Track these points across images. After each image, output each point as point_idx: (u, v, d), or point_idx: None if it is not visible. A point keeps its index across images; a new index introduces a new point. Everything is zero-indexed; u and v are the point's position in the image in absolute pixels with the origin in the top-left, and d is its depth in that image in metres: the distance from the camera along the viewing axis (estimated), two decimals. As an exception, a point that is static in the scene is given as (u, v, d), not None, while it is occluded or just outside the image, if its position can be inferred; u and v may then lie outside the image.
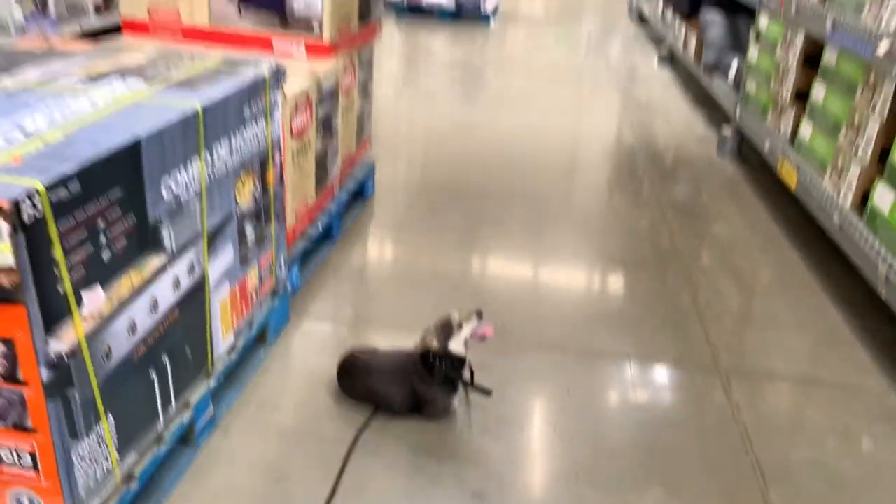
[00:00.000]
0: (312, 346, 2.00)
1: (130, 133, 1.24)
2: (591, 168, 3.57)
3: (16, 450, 1.14)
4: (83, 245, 1.12)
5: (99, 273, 1.17)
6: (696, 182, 3.42)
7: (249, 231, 1.74)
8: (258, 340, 1.91)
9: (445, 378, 1.71)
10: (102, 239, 1.17)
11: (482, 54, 5.83)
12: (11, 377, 1.09)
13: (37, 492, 1.17)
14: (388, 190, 3.05)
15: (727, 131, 3.79)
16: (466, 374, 1.76)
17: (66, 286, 1.10)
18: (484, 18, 7.00)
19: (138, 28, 2.49)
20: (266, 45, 2.40)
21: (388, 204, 2.94)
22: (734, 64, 3.96)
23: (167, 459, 1.50)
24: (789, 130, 3.04)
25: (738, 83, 3.77)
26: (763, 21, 3.51)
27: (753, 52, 3.61)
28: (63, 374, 1.12)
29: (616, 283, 2.48)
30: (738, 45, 4.20)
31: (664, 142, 3.95)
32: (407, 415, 1.72)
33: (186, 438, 1.56)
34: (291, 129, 2.04)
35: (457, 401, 1.74)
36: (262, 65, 1.73)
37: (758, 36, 3.57)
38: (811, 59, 2.95)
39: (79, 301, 1.13)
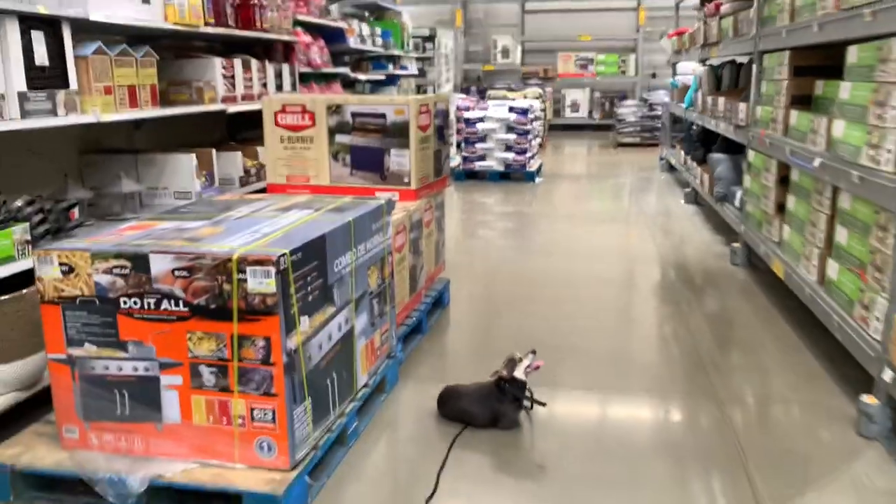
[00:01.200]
0: (417, 395, 2.77)
1: (320, 231, 2.14)
2: (631, 281, 4.36)
3: (263, 409, 1.95)
4: (301, 289, 1.99)
5: (307, 308, 2.03)
6: (713, 285, 4.17)
7: (375, 306, 2.60)
8: (378, 389, 2.70)
9: (514, 399, 2.46)
10: (309, 288, 2.04)
11: (530, 205, 6.83)
12: (266, 361, 1.92)
13: (273, 438, 1.96)
14: (461, 301, 3.89)
15: (736, 245, 4.58)
16: (527, 396, 2.50)
17: (295, 310, 1.96)
18: (529, 176, 8.11)
19: (278, 189, 3.51)
20: (371, 193, 3.38)
21: (461, 310, 3.77)
22: (738, 193, 4.81)
23: (329, 451, 2.26)
24: (775, 236, 3.82)
25: (742, 206, 4.61)
26: (751, 155, 4.41)
27: (747, 180, 4.47)
28: (292, 362, 1.95)
29: (649, 344, 3.21)
30: (739, 177, 5.08)
31: (688, 259, 4.75)
32: (487, 427, 2.46)
33: (340, 439, 2.32)
34: (394, 246, 2.95)
35: (519, 415, 2.48)
36: (381, 198, 2.67)
37: (749, 167, 4.45)
38: (784, 179, 3.79)
39: (294, 325, 1.98)
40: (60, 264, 1.98)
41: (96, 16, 2.77)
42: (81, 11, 2.71)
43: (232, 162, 3.84)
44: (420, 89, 9.91)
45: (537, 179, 8.19)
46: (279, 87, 4.43)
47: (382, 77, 7.37)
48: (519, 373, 2.47)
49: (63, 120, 2.64)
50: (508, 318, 3.63)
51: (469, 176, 8.06)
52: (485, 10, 14.98)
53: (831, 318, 2.84)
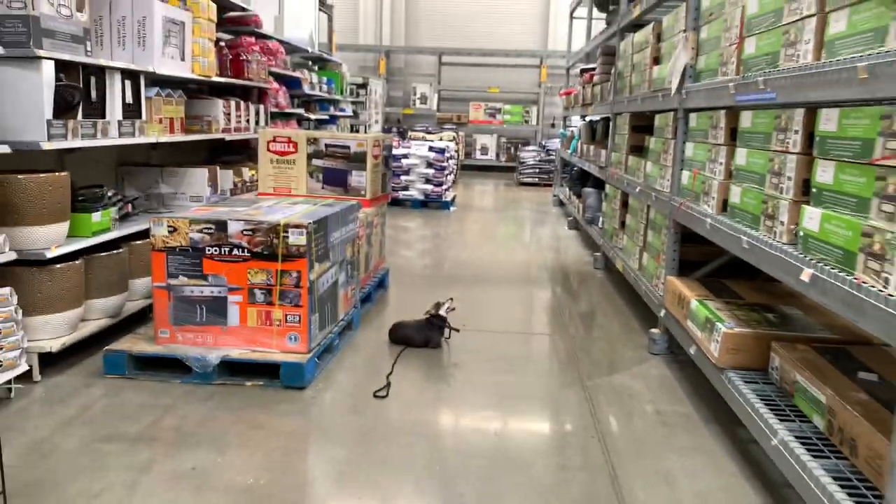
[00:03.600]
0: (373, 332, 4.12)
1: (324, 214, 3.51)
2: (521, 277, 5.85)
3: (293, 315, 3.27)
4: (316, 246, 3.35)
5: (318, 258, 3.38)
6: (579, 280, 5.72)
7: (349, 270, 3.95)
8: (347, 328, 4.03)
9: (438, 328, 3.85)
10: (319, 247, 3.39)
11: (446, 228, 8.30)
12: (297, 286, 3.25)
13: (298, 333, 3.29)
14: (396, 285, 5.27)
15: (598, 254, 6.17)
16: (447, 327, 3.90)
17: (313, 258, 3.31)
18: (445, 205, 9.60)
19: (267, 195, 4.81)
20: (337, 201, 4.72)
21: (396, 290, 5.15)
22: (600, 217, 6.43)
23: (324, 352, 3.58)
24: (619, 244, 5.41)
25: (602, 226, 6.22)
26: (608, 188, 6.03)
27: (605, 206, 6.09)
28: (311, 288, 3.29)
29: (530, 309, 4.67)
30: (601, 205, 6.71)
31: (565, 264, 6.30)
32: (421, 346, 3.83)
33: (329, 348, 3.64)
34: (359, 234, 4.31)
35: (442, 339, 3.88)
36: (353, 201, 4.05)
37: (606, 196, 6.07)
38: (625, 203, 5.39)
39: (312, 266, 3.33)
40: (168, 227, 3.27)
41: (161, 70, 4.06)
42: (151, 68, 4.00)
43: (227, 177, 5.10)
44: (353, 128, 11.35)
45: (452, 208, 9.69)
46: (257, 123, 5.74)
47: (326, 116, 8.77)
48: (442, 311, 3.88)
49: (139, 139, 3.90)
50: (431, 295, 5.03)
51: (394, 203, 9.48)
52: (406, 60, 16.62)
53: (641, 288, 4.39)
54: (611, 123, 6.10)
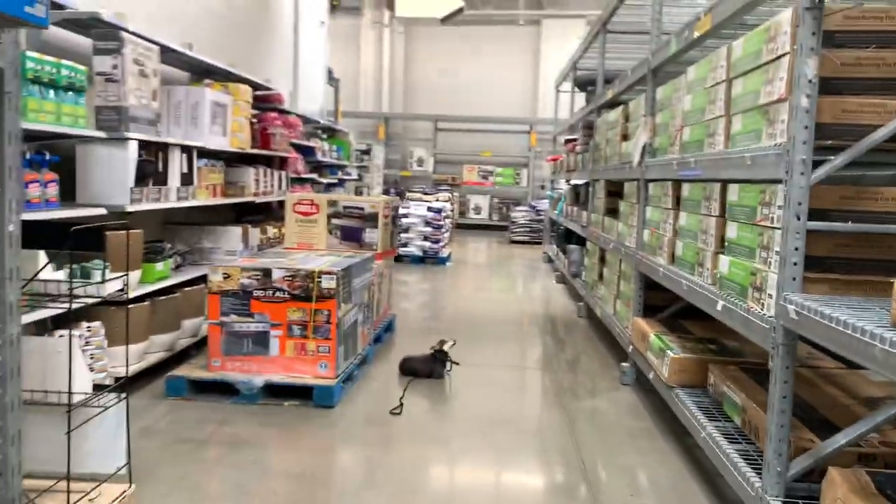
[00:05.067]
0: (384, 365, 4.81)
1: (348, 263, 4.26)
2: (512, 323, 6.57)
3: (324, 346, 3.98)
4: (342, 289, 4.08)
5: (344, 300, 4.11)
6: (564, 325, 6.44)
7: (366, 311, 4.68)
8: (363, 362, 4.73)
9: (441, 362, 4.56)
10: (345, 290, 4.13)
11: (443, 281, 9.05)
12: (328, 322, 3.97)
13: (328, 361, 3.99)
14: (402, 329, 5.98)
15: (581, 304, 6.91)
16: (448, 362, 4.61)
17: (340, 299, 4.04)
18: (442, 261, 10.37)
19: (292, 249, 5.55)
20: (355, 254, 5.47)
21: (402, 332, 5.85)
22: (583, 271, 7.19)
23: (347, 379, 4.27)
24: (598, 294, 6.16)
25: (584, 279, 6.97)
26: (588, 245, 6.82)
27: (586, 261, 6.86)
28: (339, 324, 4.01)
29: (520, 350, 5.38)
30: (584, 260, 7.48)
31: (552, 313, 7.03)
32: (426, 377, 4.53)
33: (351, 376, 4.34)
34: (373, 281, 5.05)
35: (445, 371, 4.58)
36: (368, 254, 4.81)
37: (587, 252, 6.85)
38: (602, 258, 6.15)
39: (340, 306, 4.06)
40: (223, 273, 4.00)
41: (209, 145, 4.87)
42: (202, 143, 4.80)
43: (254, 234, 5.85)
44: (357, 190, 12.22)
45: (448, 264, 10.46)
46: (279, 187, 6.54)
47: (336, 180, 9.62)
48: (445, 347, 4.59)
49: (191, 202, 4.66)
50: (432, 338, 5.75)
51: (395, 259, 10.23)
52: (403, 126, 17.65)
53: (615, 330, 5.12)
54: (589, 189, 6.92)
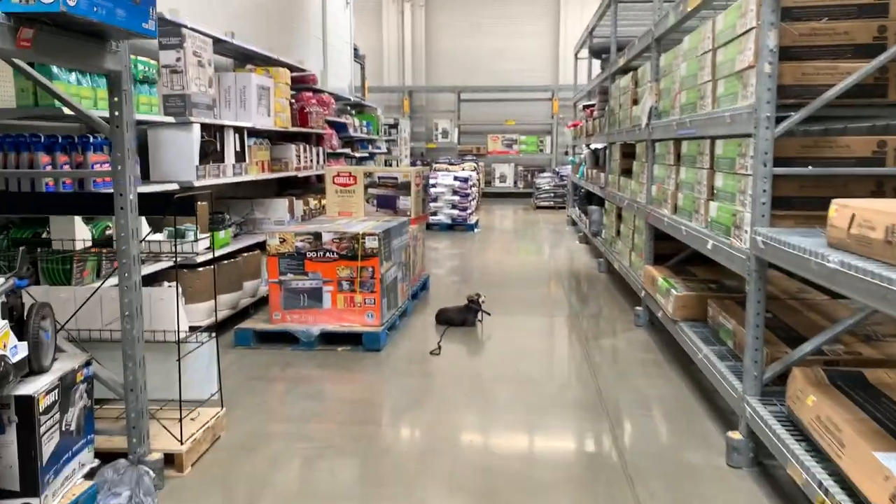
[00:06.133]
0: (422, 316, 5.37)
1: (387, 227, 4.79)
2: (537, 280, 7.08)
3: (370, 298, 4.54)
4: (383, 248, 4.63)
5: (385, 258, 4.66)
6: (586, 280, 6.94)
7: (404, 270, 5.22)
8: (403, 315, 5.28)
9: (474, 311, 5.10)
10: (386, 249, 4.67)
11: (472, 247, 9.58)
12: (372, 278, 4.53)
13: (374, 311, 4.55)
14: (435, 288, 6.53)
15: (601, 260, 7.40)
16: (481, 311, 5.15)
17: (382, 257, 4.58)
18: (470, 228, 10.88)
19: (334, 217, 6.10)
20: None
21: (436, 290, 6.40)
22: (603, 229, 7.66)
23: (390, 328, 4.83)
24: (616, 249, 6.64)
25: (604, 237, 7.44)
26: (607, 204, 7.28)
27: (605, 220, 7.33)
28: (382, 279, 4.56)
29: (545, 301, 5.90)
30: (603, 220, 7.94)
31: (574, 269, 7.53)
32: (460, 325, 5.07)
33: (394, 326, 4.89)
34: (409, 243, 5.59)
35: (477, 320, 5.12)
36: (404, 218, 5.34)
37: (606, 211, 7.32)
38: (619, 215, 6.62)
39: (382, 263, 4.60)
40: (279, 238, 4.56)
41: (256, 125, 5.41)
42: (251, 124, 5.35)
43: (298, 206, 6.42)
44: (387, 163, 12.76)
45: (476, 230, 10.97)
46: (317, 162, 7.08)
47: (367, 154, 10.16)
48: (478, 298, 5.13)
49: (244, 177, 5.22)
50: (464, 294, 6.29)
51: (425, 227, 10.77)
52: (427, 99, 18.07)
53: (630, 279, 5.61)
54: (606, 151, 7.36)
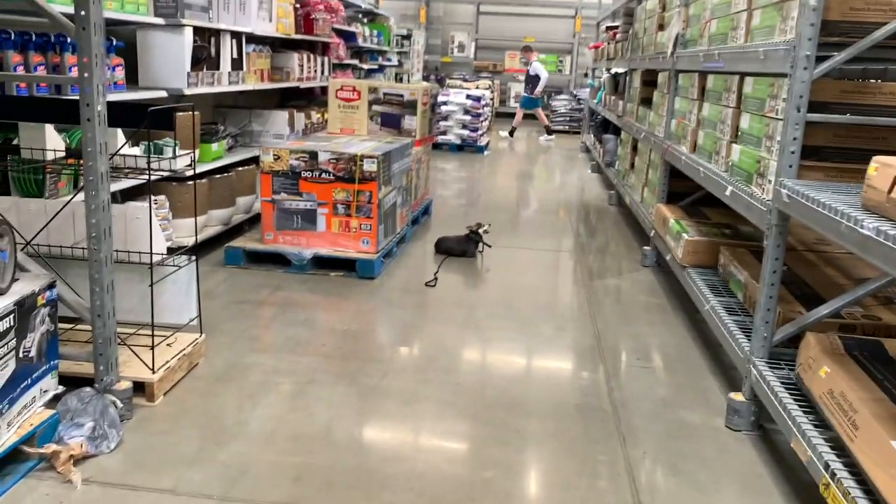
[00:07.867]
0: (421, 244, 5.18)
1: (388, 148, 4.54)
2: (545, 210, 6.85)
3: (366, 224, 4.34)
4: (383, 172, 4.39)
5: (384, 182, 4.43)
6: (595, 211, 6.71)
7: (404, 194, 5.00)
8: (401, 241, 5.09)
9: (475, 242, 4.90)
10: (385, 172, 4.44)
11: (480, 170, 9.30)
12: (369, 202, 4.31)
13: (369, 238, 4.36)
14: (438, 211, 6.32)
15: (612, 192, 7.14)
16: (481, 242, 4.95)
17: (381, 181, 4.35)
18: (480, 150, 10.56)
19: (335, 135, 5.83)
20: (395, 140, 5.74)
21: (438, 215, 6.19)
22: (617, 160, 7.37)
23: (387, 255, 4.65)
24: (629, 182, 6.37)
25: (617, 168, 7.16)
26: (623, 134, 6.96)
27: (620, 151, 7.03)
28: (379, 205, 4.35)
29: (550, 234, 5.70)
30: (618, 150, 7.64)
31: (584, 200, 7.28)
32: (459, 256, 4.89)
33: (390, 252, 4.71)
34: (411, 166, 5.34)
35: (477, 251, 4.93)
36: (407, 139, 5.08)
37: (621, 142, 7.01)
38: (635, 147, 6.32)
39: (380, 188, 4.38)
40: (273, 155, 4.33)
41: (256, 31, 5.09)
42: (250, 29, 5.02)
43: (300, 119, 6.14)
44: (397, 76, 12.30)
45: (486, 152, 10.66)
46: (322, 72, 6.75)
47: (376, 66, 9.75)
48: (479, 228, 4.92)
49: (241, 87, 4.94)
50: (467, 221, 6.08)
51: (433, 147, 10.45)
52: (444, 9, 17.36)
53: (641, 216, 5.38)
54: (627, 78, 6.99)
